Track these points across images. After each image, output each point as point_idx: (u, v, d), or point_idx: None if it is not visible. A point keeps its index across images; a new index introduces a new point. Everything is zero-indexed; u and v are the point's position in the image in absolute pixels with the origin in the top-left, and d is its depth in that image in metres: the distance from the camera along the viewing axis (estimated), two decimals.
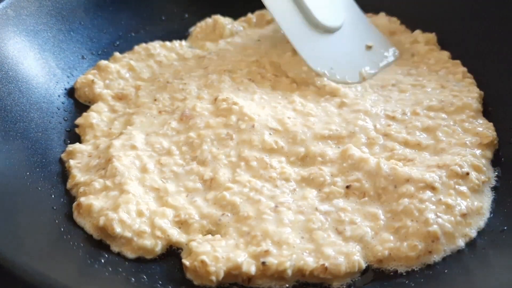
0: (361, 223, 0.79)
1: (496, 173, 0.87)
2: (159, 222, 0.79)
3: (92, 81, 1.04)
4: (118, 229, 0.77)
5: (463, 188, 0.82)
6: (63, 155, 0.92)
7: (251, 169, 0.88)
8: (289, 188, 0.85)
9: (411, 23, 1.20)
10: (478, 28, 1.08)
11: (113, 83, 1.06)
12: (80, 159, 0.91)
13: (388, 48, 1.14)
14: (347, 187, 0.84)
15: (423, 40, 1.15)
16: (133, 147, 0.91)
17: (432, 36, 1.16)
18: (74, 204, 0.82)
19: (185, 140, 0.93)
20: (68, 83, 1.06)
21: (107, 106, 1.02)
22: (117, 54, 1.13)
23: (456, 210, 0.79)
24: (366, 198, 0.82)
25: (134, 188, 0.84)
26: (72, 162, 0.90)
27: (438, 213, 0.78)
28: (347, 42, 1.12)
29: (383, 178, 0.83)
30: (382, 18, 1.24)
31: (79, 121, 0.99)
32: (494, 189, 0.85)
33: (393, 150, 0.90)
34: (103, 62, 1.09)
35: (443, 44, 1.14)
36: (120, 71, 1.09)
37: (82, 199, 0.82)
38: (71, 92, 1.05)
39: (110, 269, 0.74)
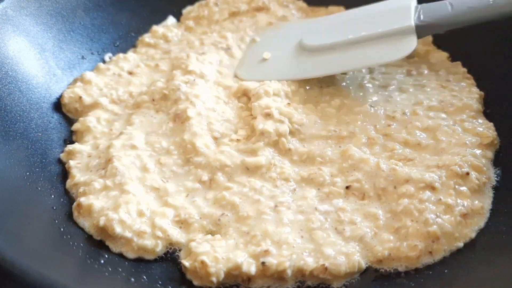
0: (361, 223, 0.79)
1: (497, 173, 0.87)
2: (159, 222, 0.79)
3: (80, 97, 1.00)
4: (118, 229, 0.77)
5: (463, 188, 0.82)
6: (62, 155, 0.92)
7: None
8: (288, 188, 0.85)
9: None
10: (478, 29, 1.08)
11: (108, 91, 1.04)
12: (79, 159, 0.91)
13: None
14: (347, 187, 0.84)
15: (419, 42, 1.14)
16: (133, 147, 0.91)
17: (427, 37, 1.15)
18: (74, 204, 0.82)
19: (180, 142, 0.92)
20: (68, 83, 1.06)
21: (106, 111, 1.00)
22: (101, 64, 1.10)
23: (456, 210, 0.79)
24: (366, 201, 0.82)
25: (134, 188, 0.84)
26: (72, 163, 0.90)
27: (438, 213, 0.78)
28: None
29: (382, 178, 0.83)
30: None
31: (75, 127, 0.98)
32: (495, 189, 0.85)
33: (393, 150, 0.90)
34: (89, 74, 1.05)
35: (442, 45, 1.14)
36: (110, 82, 1.06)
37: (82, 199, 0.82)
38: None
39: (110, 269, 0.74)
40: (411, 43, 0.93)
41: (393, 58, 0.95)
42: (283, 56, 1.08)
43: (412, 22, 0.94)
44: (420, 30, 0.95)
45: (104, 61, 1.14)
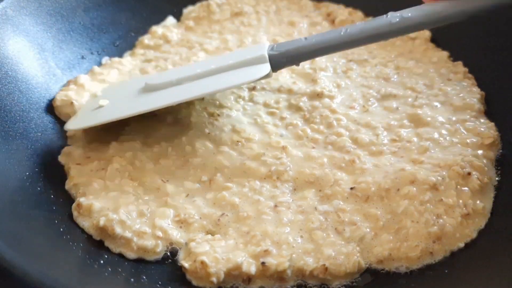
0: (361, 223, 0.79)
1: (498, 173, 0.87)
2: (159, 222, 0.79)
3: (72, 103, 0.98)
4: (118, 230, 0.77)
5: (465, 189, 0.81)
6: (61, 156, 0.92)
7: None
8: (288, 188, 0.85)
9: None
10: (479, 29, 1.08)
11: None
12: (79, 159, 0.91)
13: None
14: (351, 188, 0.83)
15: (420, 40, 1.14)
16: (133, 147, 0.91)
17: (423, 32, 1.15)
18: (74, 204, 0.82)
19: (179, 143, 0.92)
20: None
21: None
22: (96, 68, 1.09)
23: (458, 211, 0.78)
24: (367, 205, 0.82)
25: (134, 188, 0.84)
26: (71, 163, 0.90)
27: (439, 214, 0.78)
28: None
29: (390, 180, 0.82)
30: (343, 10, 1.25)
31: (70, 133, 0.96)
32: (496, 189, 0.85)
33: (396, 151, 0.89)
34: (83, 78, 1.04)
35: (443, 44, 1.14)
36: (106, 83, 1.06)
37: (82, 199, 0.82)
38: None
39: (110, 269, 0.74)
40: (264, 69, 0.88)
41: (243, 80, 0.89)
42: (123, 99, 0.96)
43: (265, 52, 0.90)
44: (275, 60, 0.89)
45: (100, 64, 1.13)
